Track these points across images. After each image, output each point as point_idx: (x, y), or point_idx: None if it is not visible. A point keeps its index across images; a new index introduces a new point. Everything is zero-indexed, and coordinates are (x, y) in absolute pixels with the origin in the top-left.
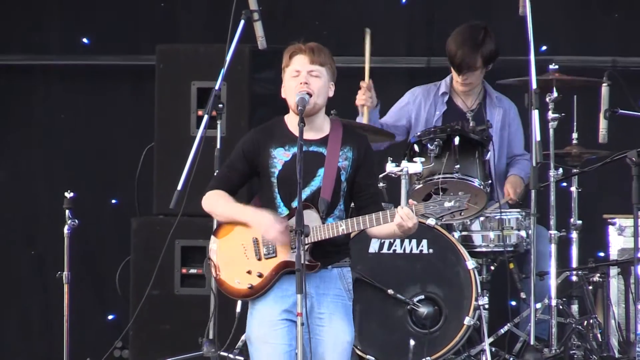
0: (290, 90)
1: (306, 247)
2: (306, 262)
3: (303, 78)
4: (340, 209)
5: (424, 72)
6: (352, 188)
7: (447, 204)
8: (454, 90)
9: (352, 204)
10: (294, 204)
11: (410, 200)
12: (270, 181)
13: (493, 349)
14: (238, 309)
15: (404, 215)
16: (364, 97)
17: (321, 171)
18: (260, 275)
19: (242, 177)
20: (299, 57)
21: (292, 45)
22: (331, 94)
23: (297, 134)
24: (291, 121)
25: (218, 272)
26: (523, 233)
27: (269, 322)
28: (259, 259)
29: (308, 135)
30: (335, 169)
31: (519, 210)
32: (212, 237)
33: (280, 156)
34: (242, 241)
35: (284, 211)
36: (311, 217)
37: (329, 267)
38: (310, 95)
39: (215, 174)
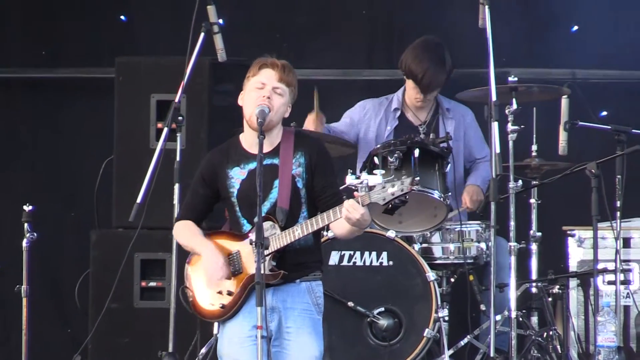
0: (251, 100)
1: (267, 256)
2: (268, 272)
3: (267, 92)
4: (304, 217)
5: (385, 84)
6: (312, 193)
7: (390, 190)
8: (406, 104)
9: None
10: (257, 219)
11: (356, 192)
12: (231, 201)
13: None
14: (215, 331)
15: (349, 206)
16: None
17: (277, 182)
18: (230, 293)
19: (206, 201)
20: (268, 71)
21: (263, 57)
22: (287, 115)
23: (251, 151)
24: (246, 139)
25: (194, 298)
26: (483, 245)
27: (238, 340)
28: (228, 278)
29: None
30: (289, 177)
31: (479, 222)
32: (186, 265)
33: (237, 175)
34: None
35: (248, 228)
36: (270, 228)
37: (297, 280)
38: (269, 110)
39: (174, 187)
